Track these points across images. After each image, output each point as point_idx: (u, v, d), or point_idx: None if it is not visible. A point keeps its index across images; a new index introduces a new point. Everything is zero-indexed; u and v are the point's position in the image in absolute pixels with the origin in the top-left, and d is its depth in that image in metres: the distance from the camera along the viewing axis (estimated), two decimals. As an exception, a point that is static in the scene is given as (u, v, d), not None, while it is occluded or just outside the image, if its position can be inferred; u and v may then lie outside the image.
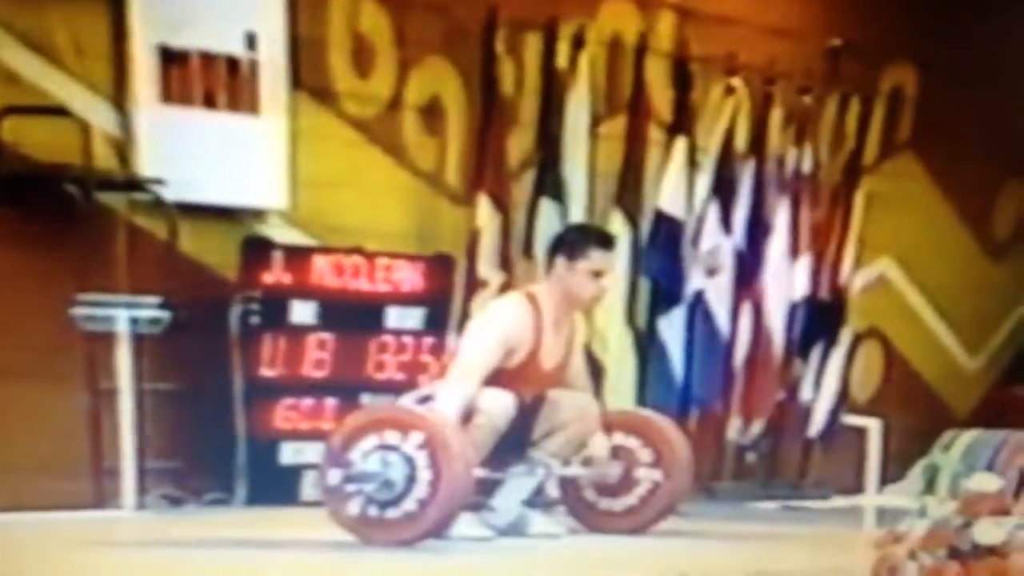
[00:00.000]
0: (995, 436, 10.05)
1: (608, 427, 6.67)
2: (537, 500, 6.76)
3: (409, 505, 5.87)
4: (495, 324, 6.34)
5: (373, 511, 5.88)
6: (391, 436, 5.87)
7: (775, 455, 9.86)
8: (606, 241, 6.70)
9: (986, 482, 10.13)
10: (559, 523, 6.67)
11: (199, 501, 7.41)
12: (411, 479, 5.83)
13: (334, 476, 5.91)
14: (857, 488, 9.67)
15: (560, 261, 6.48)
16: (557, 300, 6.46)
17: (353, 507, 5.88)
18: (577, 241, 6.56)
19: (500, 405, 6.20)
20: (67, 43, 7.05)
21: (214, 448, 7.51)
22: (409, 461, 5.83)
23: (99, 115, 7.17)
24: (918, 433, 10.04)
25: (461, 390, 6.12)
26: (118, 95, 7.23)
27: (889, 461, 9.91)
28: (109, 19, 7.18)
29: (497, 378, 6.27)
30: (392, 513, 5.88)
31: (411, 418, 5.98)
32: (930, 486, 10.58)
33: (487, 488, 6.37)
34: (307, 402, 7.71)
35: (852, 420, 9.98)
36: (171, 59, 7.34)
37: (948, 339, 10.97)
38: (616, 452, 6.70)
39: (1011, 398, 11.15)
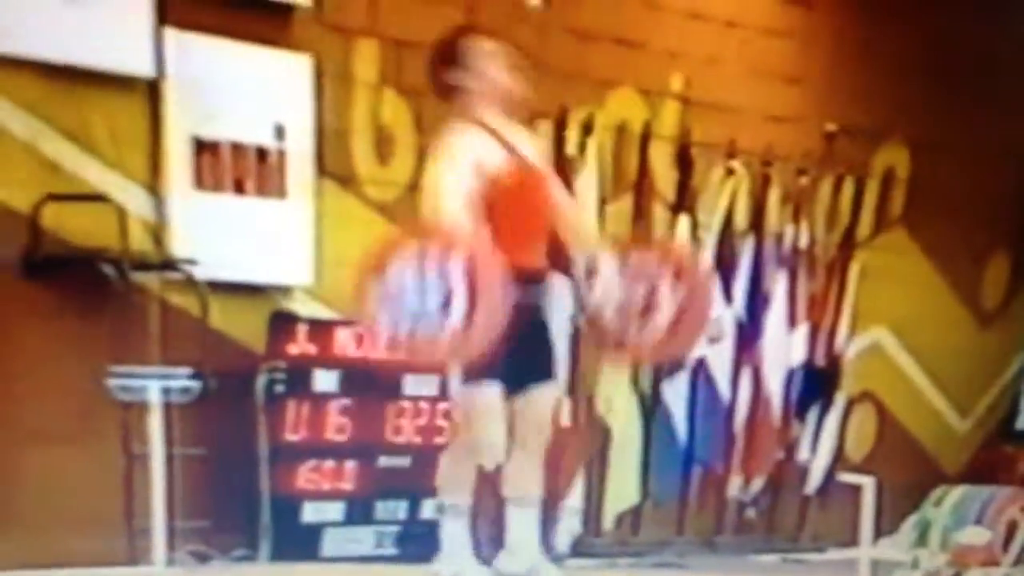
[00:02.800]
0: (983, 492, 9.92)
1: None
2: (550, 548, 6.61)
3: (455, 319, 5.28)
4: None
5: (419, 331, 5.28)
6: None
7: (774, 511, 9.77)
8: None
9: (976, 535, 10.01)
10: None
11: (226, 557, 7.33)
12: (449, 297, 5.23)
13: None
14: (852, 541, 9.54)
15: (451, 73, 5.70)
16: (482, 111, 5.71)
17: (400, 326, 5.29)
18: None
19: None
20: (105, 134, 7.01)
21: (240, 507, 7.43)
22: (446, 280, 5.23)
23: (135, 201, 7.11)
24: (910, 490, 9.92)
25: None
26: (153, 182, 7.18)
27: (882, 516, 9.76)
28: (145, 111, 7.13)
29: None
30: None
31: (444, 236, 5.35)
32: (922, 539, 10.46)
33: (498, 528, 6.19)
34: (328, 464, 7.61)
35: (847, 478, 9.83)
36: (203, 148, 7.29)
37: (939, 402, 10.82)
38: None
39: (998, 457, 11.02)
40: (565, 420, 7.96)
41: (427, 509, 7.83)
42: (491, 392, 5.87)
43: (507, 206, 5.79)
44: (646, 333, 5.83)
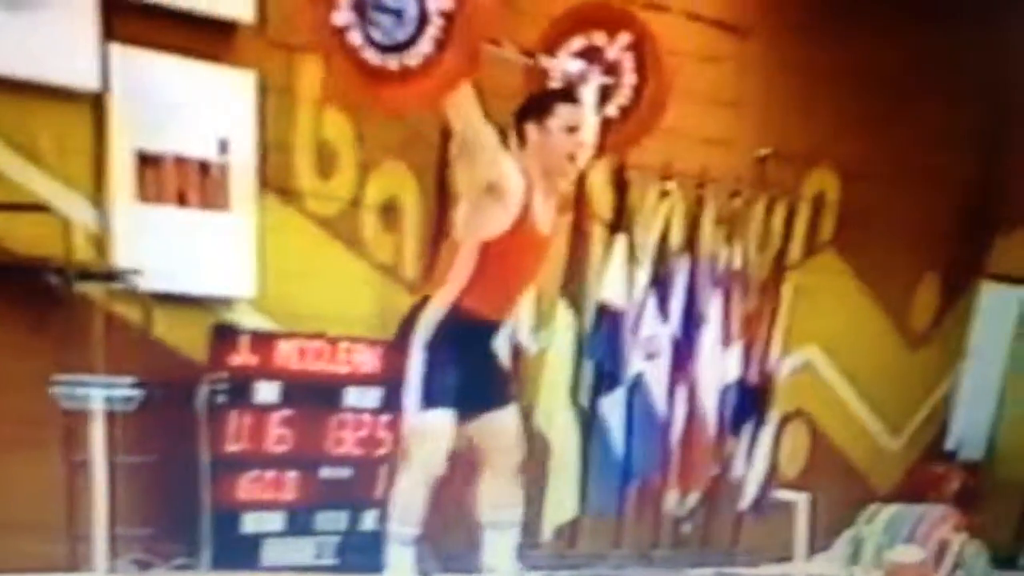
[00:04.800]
0: (915, 510, 9.89)
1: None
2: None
3: (425, 47, 5.36)
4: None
5: (391, 61, 5.35)
6: None
7: (710, 525, 9.65)
8: (570, 96, 5.95)
9: (909, 553, 9.90)
10: None
11: (167, 565, 7.21)
12: (423, 12, 5.28)
13: (341, 14, 5.33)
14: (787, 556, 9.50)
15: (531, 128, 5.79)
16: (538, 170, 5.77)
17: (369, 54, 5.34)
18: (542, 102, 5.85)
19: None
20: (50, 146, 6.92)
21: (181, 516, 7.30)
22: None
23: (79, 212, 7.03)
24: (843, 507, 9.87)
25: None
26: (97, 193, 7.09)
27: (816, 532, 9.74)
28: (90, 124, 7.05)
29: (498, 248, 5.71)
30: (409, 59, 5.35)
31: None
32: (855, 556, 10.37)
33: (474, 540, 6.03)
34: (269, 475, 7.48)
35: (781, 494, 9.81)
36: (147, 161, 7.20)
37: (870, 421, 10.75)
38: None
39: (930, 475, 10.96)
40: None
41: (367, 520, 7.76)
42: (443, 418, 5.81)
43: (503, 265, 5.78)
44: None
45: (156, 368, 7.07)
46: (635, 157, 8.91)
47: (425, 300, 5.96)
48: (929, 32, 10.21)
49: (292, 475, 7.52)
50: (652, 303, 9.04)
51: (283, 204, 7.73)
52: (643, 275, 9.01)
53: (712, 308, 9.31)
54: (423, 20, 5.45)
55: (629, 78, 6.02)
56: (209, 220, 7.41)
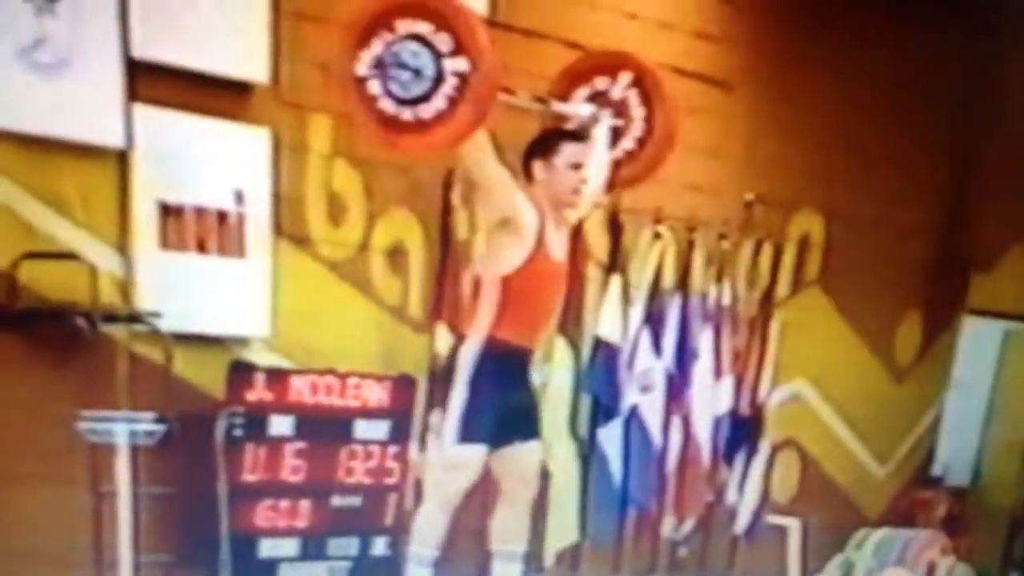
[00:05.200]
0: (903, 535, 10.02)
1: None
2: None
3: (439, 103, 5.60)
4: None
5: (406, 113, 5.57)
6: (421, 27, 5.54)
7: (705, 550, 9.87)
8: (577, 135, 6.23)
9: (898, 576, 9.99)
10: None
11: (190, 590, 7.47)
12: (440, 72, 5.51)
13: (363, 66, 5.56)
14: None
15: (538, 165, 6.05)
16: (546, 204, 6.02)
17: (386, 104, 5.56)
18: (549, 140, 6.12)
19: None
20: (78, 199, 7.17)
21: (202, 543, 7.54)
22: (436, 53, 5.49)
23: (105, 259, 7.26)
24: (833, 531, 10.04)
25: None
26: (122, 242, 7.32)
27: (808, 555, 9.89)
28: (115, 178, 7.29)
29: (519, 280, 5.89)
30: (423, 112, 5.57)
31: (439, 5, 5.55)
32: (847, 579, 10.48)
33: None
34: (284, 503, 7.74)
35: (774, 519, 9.99)
36: (169, 212, 7.46)
37: (858, 449, 10.95)
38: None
39: (917, 501, 11.15)
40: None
41: (378, 545, 8.01)
42: (478, 452, 6.04)
43: (526, 296, 6.02)
44: None
45: (177, 404, 7.28)
46: (628, 202, 9.23)
47: (462, 339, 6.16)
48: (910, 84, 10.48)
49: (305, 503, 7.76)
50: (646, 339, 9.28)
51: (296, 250, 7.96)
52: (637, 313, 9.26)
53: (704, 343, 9.55)
54: (439, 79, 5.75)
55: (638, 112, 6.25)
56: (227, 266, 7.66)
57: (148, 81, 7.27)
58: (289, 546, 7.75)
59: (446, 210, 8.43)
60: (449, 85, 5.69)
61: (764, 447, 10.02)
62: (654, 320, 9.34)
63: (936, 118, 10.73)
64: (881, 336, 10.92)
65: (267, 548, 7.70)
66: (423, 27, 5.73)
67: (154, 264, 7.42)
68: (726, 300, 9.71)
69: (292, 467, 7.76)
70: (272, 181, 7.84)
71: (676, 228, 9.47)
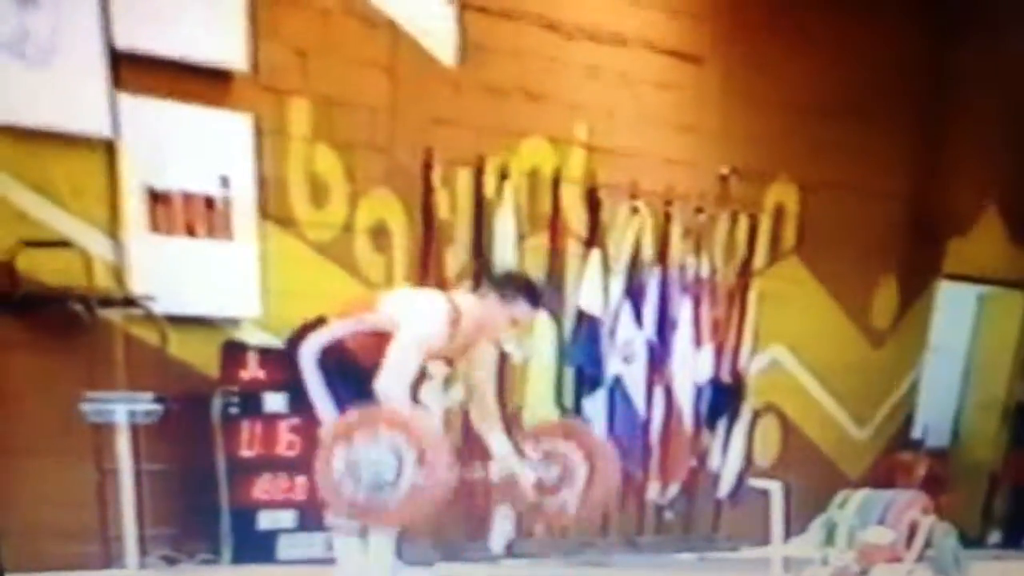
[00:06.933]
0: (884, 495, 10.02)
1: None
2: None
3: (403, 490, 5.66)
4: (417, 330, 5.98)
5: (375, 498, 5.70)
6: (384, 434, 5.66)
7: (690, 513, 10.05)
8: (536, 301, 6.32)
9: (880, 535, 10.25)
10: None
11: (192, 561, 7.61)
12: (400, 471, 5.63)
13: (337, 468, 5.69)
14: (764, 541, 9.71)
15: (493, 294, 6.12)
16: (472, 320, 6.10)
17: (356, 495, 5.69)
18: (515, 288, 6.18)
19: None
20: (69, 187, 7.32)
21: (203, 516, 7.73)
22: (399, 456, 5.63)
23: (98, 245, 7.41)
24: (815, 493, 10.04)
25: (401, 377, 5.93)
26: (113, 228, 7.47)
27: (791, 517, 9.97)
28: (104, 166, 7.43)
29: None
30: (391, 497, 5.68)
31: (400, 419, 5.76)
32: (829, 539, 10.70)
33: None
34: (280, 477, 7.90)
35: (756, 483, 10.06)
36: (157, 198, 7.61)
37: (838, 413, 11.08)
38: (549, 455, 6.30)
39: (896, 463, 11.27)
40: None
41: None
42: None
43: None
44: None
45: (173, 384, 7.47)
46: (604, 177, 9.41)
47: None
48: (880, 54, 10.57)
49: (301, 477, 7.83)
50: (627, 311, 9.46)
51: (282, 232, 8.10)
52: (617, 285, 9.43)
53: (683, 313, 9.72)
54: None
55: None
56: (215, 248, 7.81)
57: (132, 71, 7.41)
58: (286, 518, 7.91)
59: (427, 190, 8.59)
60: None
61: (745, 413, 10.20)
62: (634, 292, 9.51)
63: (908, 85, 10.83)
64: (858, 302, 11.05)
65: (265, 520, 7.88)
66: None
67: (145, 249, 7.57)
68: (704, 271, 9.87)
69: (287, 442, 7.91)
70: (256, 165, 7.98)
71: (653, 202, 9.61)
